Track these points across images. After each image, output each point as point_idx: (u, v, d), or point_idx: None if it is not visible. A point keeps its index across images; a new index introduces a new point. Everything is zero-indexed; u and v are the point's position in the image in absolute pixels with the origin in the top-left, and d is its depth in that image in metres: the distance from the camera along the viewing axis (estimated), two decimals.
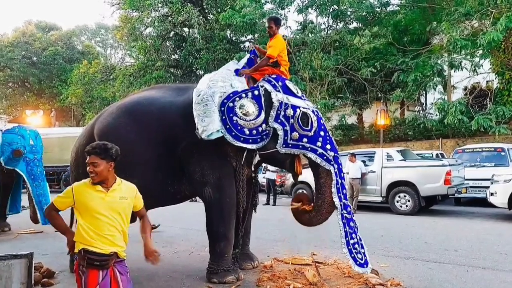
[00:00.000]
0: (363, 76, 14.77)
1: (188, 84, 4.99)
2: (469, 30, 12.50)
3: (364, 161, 10.13)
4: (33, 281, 2.89)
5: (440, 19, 13.11)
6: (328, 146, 4.14)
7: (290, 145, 4.08)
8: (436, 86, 14.37)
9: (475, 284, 4.01)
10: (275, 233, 6.87)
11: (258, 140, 4.05)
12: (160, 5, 20.20)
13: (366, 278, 3.97)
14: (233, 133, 3.96)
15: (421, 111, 20.28)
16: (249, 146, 4.03)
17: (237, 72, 4.37)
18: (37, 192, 7.04)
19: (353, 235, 4.13)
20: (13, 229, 7.49)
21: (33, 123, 12.81)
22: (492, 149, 10.60)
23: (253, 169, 4.45)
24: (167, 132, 4.23)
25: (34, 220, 7.07)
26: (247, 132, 4.00)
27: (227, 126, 3.96)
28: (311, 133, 4.09)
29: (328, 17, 16.30)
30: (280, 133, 4.05)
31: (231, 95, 4.04)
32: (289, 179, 11.25)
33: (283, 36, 5.49)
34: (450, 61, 13.19)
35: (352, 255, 4.05)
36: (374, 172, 9.84)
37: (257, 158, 4.28)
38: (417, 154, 11.65)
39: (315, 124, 4.11)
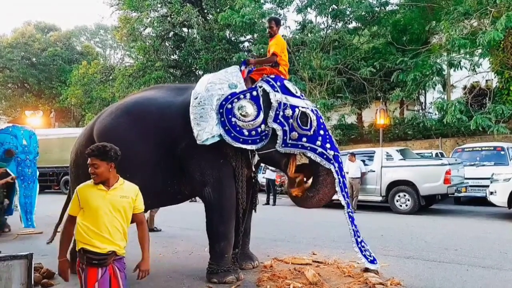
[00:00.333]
0: (363, 75, 14.78)
1: (187, 84, 4.99)
2: (468, 29, 12.51)
3: (363, 161, 10.14)
4: (33, 282, 2.89)
5: (439, 19, 13.11)
6: (328, 145, 4.15)
7: (289, 145, 4.08)
8: (436, 85, 14.37)
9: (475, 283, 4.01)
10: (275, 233, 6.88)
11: (258, 140, 4.06)
12: (159, 5, 20.22)
13: (366, 277, 3.97)
14: (232, 134, 3.97)
15: (420, 111, 20.28)
16: (248, 147, 4.03)
17: (244, 63, 4.43)
18: (24, 193, 7.00)
19: (358, 233, 4.19)
20: (13, 230, 7.48)
21: (32, 124, 12.79)
22: (492, 148, 10.60)
23: (253, 169, 4.46)
24: (167, 132, 4.23)
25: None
26: (246, 133, 4.01)
27: (226, 128, 3.96)
28: (311, 133, 4.09)
29: (327, 17, 16.31)
30: (279, 133, 4.05)
31: (229, 96, 4.05)
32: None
33: (282, 36, 5.49)
34: (449, 60, 13.19)
35: (363, 253, 4.12)
36: (374, 171, 9.85)
37: (257, 158, 4.29)
38: (417, 154, 11.65)
39: (314, 123, 4.11)
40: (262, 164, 6.93)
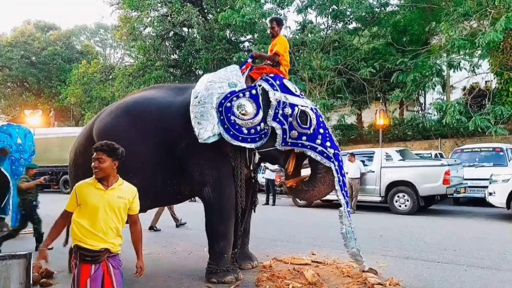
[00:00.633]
0: (362, 76, 14.78)
1: (187, 84, 4.99)
2: (468, 31, 12.51)
3: (363, 161, 10.14)
4: (31, 281, 2.89)
5: (439, 20, 13.13)
6: (328, 143, 4.15)
7: (289, 144, 4.09)
8: (435, 86, 14.39)
9: (473, 283, 4.01)
10: (275, 233, 6.88)
11: (257, 139, 4.06)
12: (159, 5, 20.20)
13: (365, 277, 3.98)
14: (231, 132, 3.97)
15: (420, 111, 20.31)
16: (247, 145, 4.04)
17: (251, 56, 4.49)
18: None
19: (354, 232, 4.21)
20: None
21: (31, 123, 12.78)
22: (491, 149, 10.62)
23: (252, 169, 4.46)
24: (167, 132, 4.23)
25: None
26: (245, 131, 4.01)
27: (225, 126, 3.97)
28: (310, 131, 4.09)
29: (328, 17, 16.31)
30: (279, 132, 4.06)
31: (229, 95, 4.05)
32: None
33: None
34: (449, 61, 13.20)
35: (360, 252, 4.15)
36: (373, 172, 9.85)
37: (257, 157, 4.28)
38: (416, 154, 11.66)
39: (314, 122, 4.12)
40: (262, 164, 6.94)
